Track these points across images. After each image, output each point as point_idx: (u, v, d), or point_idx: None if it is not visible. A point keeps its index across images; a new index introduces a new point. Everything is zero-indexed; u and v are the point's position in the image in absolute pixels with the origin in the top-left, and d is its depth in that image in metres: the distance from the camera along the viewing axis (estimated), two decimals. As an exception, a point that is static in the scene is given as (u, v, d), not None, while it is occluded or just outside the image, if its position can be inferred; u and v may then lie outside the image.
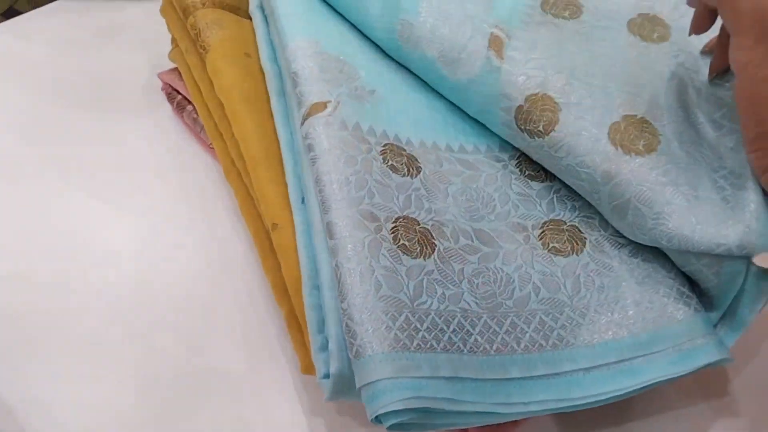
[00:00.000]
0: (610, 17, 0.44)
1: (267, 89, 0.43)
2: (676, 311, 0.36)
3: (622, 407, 0.38)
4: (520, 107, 0.39)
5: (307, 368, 0.35)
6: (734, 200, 0.35)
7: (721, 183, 0.36)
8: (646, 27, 0.43)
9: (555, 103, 0.39)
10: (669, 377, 0.34)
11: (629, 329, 0.35)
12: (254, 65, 0.45)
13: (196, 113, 0.50)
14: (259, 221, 0.41)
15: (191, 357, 0.39)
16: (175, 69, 0.53)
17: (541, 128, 0.38)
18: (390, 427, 0.30)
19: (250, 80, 0.44)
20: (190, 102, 0.51)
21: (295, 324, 0.36)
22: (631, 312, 0.36)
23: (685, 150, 0.37)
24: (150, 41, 0.58)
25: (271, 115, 0.42)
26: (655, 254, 0.38)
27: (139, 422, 0.37)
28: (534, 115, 0.39)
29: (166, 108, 0.54)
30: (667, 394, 0.39)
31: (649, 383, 0.34)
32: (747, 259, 0.34)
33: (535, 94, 0.39)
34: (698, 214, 0.35)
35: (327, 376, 0.32)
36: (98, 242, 0.45)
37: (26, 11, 0.69)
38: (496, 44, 0.41)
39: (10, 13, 0.71)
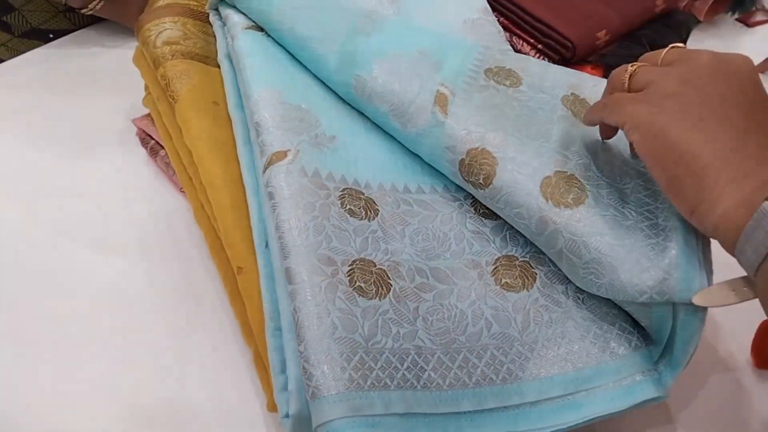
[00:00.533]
0: (545, 91, 0.46)
1: (234, 136, 0.45)
2: (618, 347, 0.38)
3: None
4: (462, 160, 0.42)
5: (273, 406, 0.36)
6: (658, 248, 0.37)
7: (647, 232, 0.38)
8: (577, 105, 0.46)
9: (493, 157, 0.41)
10: (609, 412, 0.36)
11: (574, 364, 0.37)
12: (222, 112, 0.47)
13: (168, 158, 0.52)
14: (228, 264, 0.42)
15: (164, 392, 0.41)
16: (149, 115, 0.55)
17: (481, 180, 0.41)
18: None
19: (218, 128, 0.46)
20: (163, 147, 0.53)
21: (261, 363, 0.38)
22: (576, 347, 0.38)
23: (612, 204, 0.40)
24: (125, 87, 0.60)
25: (238, 162, 0.44)
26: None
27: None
28: (474, 168, 0.41)
29: (141, 151, 0.56)
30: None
31: (591, 417, 0.36)
32: (672, 304, 0.36)
33: (475, 148, 0.41)
34: (623, 265, 0.37)
35: (288, 415, 0.33)
36: (78, 282, 0.47)
37: (6, 58, 0.71)
38: (441, 101, 0.43)
39: (-10, 59, 0.73)
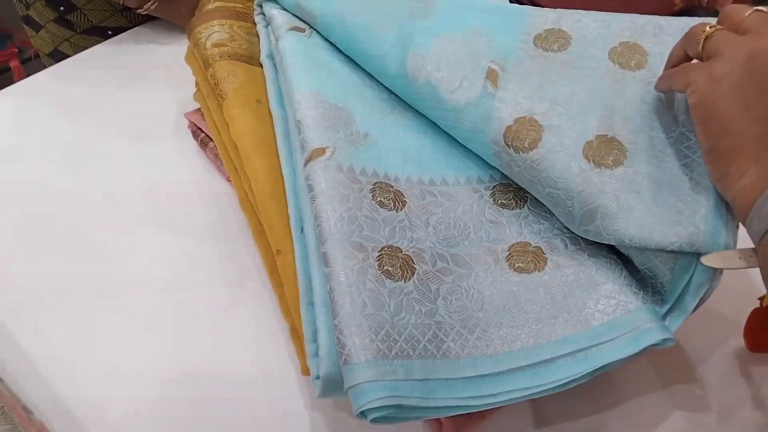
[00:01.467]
0: (594, 46, 0.50)
1: (275, 132, 0.50)
2: (627, 302, 0.42)
3: (591, 397, 0.45)
4: (509, 126, 0.46)
5: (305, 370, 0.42)
6: (690, 205, 0.41)
7: (681, 188, 0.42)
8: (626, 55, 0.50)
9: (539, 125, 0.46)
10: (619, 359, 0.40)
11: (585, 325, 0.42)
12: (264, 110, 0.52)
13: (217, 149, 0.57)
14: (268, 246, 0.48)
15: (211, 358, 0.47)
16: (199, 109, 0.60)
17: (526, 145, 0.45)
18: (373, 420, 0.37)
19: (261, 125, 0.51)
20: (212, 139, 0.58)
21: (296, 334, 0.44)
22: (586, 309, 0.42)
23: (652, 163, 0.44)
24: (177, 81, 0.65)
25: (278, 155, 0.49)
26: (608, 261, 0.44)
27: (159, 416, 0.44)
28: (521, 134, 0.46)
29: (193, 142, 0.62)
30: (629, 382, 0.46)
31: (601, 366, 0.40)
32: (696, 255, 0.40)
33: (523, 117, 0.46)
34: (656, 217, 0.41)
35: (318, 377, 0.39)
36: (132, 256, 0.53)
37: (69, 53, 0.78)
38: (492, 76, 0.48)
39: (55, 54, 0.80)
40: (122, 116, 0.65)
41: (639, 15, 0.51)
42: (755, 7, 0.40)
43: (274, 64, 0.54)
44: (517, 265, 0.45)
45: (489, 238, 0.46)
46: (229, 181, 0.56)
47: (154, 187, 0.59)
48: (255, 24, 0.58)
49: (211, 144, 0.59)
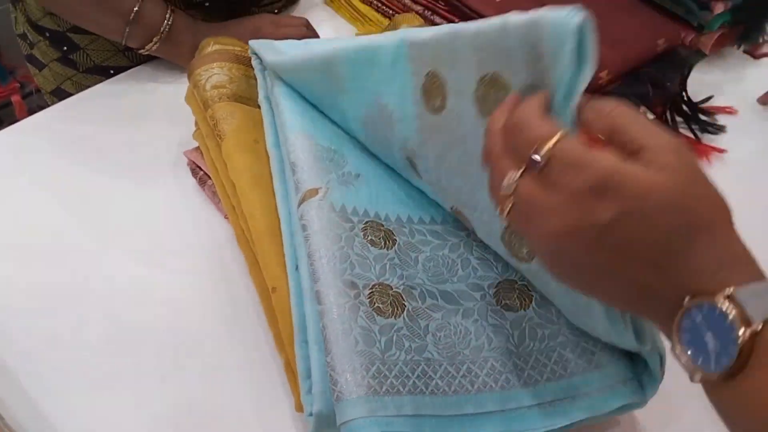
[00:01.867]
0: (461, 95, 0.41)
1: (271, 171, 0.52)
2: (601, 358, 0.43)
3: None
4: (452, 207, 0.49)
5: (299, 407, 0.43)
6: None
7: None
8: (489, 98, 0.40)
9: (465, 217, 0.48)
10: (594, 415, 0.42)
11: (564, 373, 0.43)
12: (261, 149, 0.54)
13: (215, 187, 0.59)
14: (264, 283, 0.49)
15: (206, 392, 0.48)
16: (198, 148, 0.62)
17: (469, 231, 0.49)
18: None
19: (258, 164, 0.53)
20: (210, 177, 0.60)
21: (290, 370, 0.45)
22: (566, 358, 0.44)
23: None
24: (177, 119, 0.67)
25: (275, 194, 0.51)
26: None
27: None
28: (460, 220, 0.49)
29: (191, 180, 0.63)
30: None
31: (577, 420, 0.41)
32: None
33: (453, 207, 0.49)
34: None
35: (311, 414, 0.40)
36: (130, 291, 0.54)
37: (72, 91, 0.80)
38: (412, 163, 0.49)
39: (58, 92, 0.82)
40: (123, 153, 0.67)
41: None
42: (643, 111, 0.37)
43: (271, 106, 0.56)
44: (504, 301, 0.46)
45: (476, 275, 0.48)
46: (227, 218, 0.57)
47: (153, 222, 0.60)
48: (252, 67, 0.60)
49: (209, 181, 0.60)
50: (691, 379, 0.31)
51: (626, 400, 0.42)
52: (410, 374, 0.41)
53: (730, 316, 0.29)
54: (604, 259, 0.31)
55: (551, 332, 0.45)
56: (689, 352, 0.31)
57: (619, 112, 0.33)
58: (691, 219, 0.31)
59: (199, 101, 0.59)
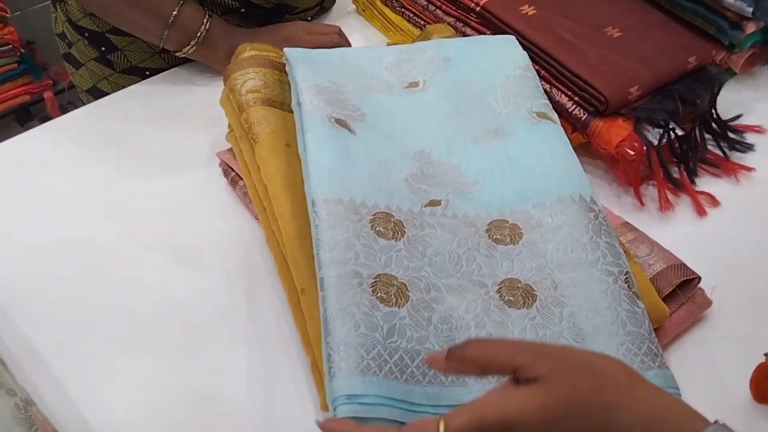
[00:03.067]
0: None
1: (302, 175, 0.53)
2: None
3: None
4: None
5: (325, 406, 0.44)
6: None
7: None
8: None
9: None
10: None
11: None
12: (293, 153, 0.55)
13: (246, 188, 0.60)
14: (293, 284, 0.50)
15: (237, 389, 0.49)
16: (231, 149, 0.64)
17: None
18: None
19: (290, 168, 0.54)
20: (242, 178, 0.61)
21: (316, 369, 0.46)
22: None
23: None
24: (210, 121, 0.69)
25: (305, 198, 0.52)
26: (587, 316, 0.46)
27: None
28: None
29: (223, 180, 0.65)
30: None
31: None
32: None
33: None
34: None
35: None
36: (161, 290, 0.56)
37: (108, 91, 0.82)
38: None
39: (93, 91, 0.84)
40: (156, 153, 0.69)
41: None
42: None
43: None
44: (507, 298, 0.47)
45: (481, 272, 0.48)
46: (257, 219, 0.58)
47: (185, 221, 0.62)
48: (286, 73, 0.61)
49: (241, 183, 0.61)
50: None
51: None
52: (410, 362, 0.42)
53: None
54: None
55: (552, 333, 0.45)
56: None
57: (475, 347, 0.36)
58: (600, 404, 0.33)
59: (235, 105, 0.60)
